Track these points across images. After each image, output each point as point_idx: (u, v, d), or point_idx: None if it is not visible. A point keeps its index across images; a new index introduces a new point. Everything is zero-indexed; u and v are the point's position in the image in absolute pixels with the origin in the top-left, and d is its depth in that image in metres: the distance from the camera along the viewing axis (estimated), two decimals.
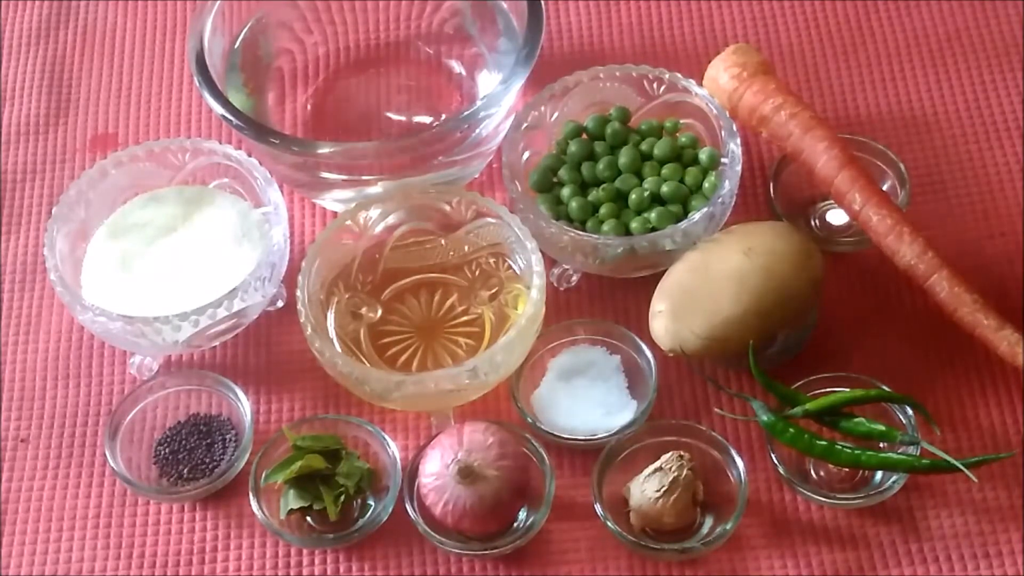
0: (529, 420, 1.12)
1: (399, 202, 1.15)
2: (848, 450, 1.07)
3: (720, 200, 1.13)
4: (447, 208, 1.15)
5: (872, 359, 1.15)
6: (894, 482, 1.08)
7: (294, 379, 1.18)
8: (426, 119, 1.28)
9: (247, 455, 1.13)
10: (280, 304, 1.20)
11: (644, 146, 1.19)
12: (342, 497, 1.09)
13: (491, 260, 1.16)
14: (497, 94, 1.16)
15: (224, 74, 1.22)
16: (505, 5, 1.24)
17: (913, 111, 1.29)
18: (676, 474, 1.07)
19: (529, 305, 1.09)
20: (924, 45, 1.33)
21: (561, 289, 1.20)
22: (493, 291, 1.15)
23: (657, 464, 1.08)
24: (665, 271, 1.13)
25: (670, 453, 1.08)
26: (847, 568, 1.07)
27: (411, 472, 1.09)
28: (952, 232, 1.21)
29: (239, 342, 1.20)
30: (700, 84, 1.20)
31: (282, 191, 1.19)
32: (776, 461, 1.09)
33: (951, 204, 1.23)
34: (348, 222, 1.14)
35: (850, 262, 1.20)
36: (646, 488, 1.07)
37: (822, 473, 1.11)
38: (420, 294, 1.16)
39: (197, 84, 1.18)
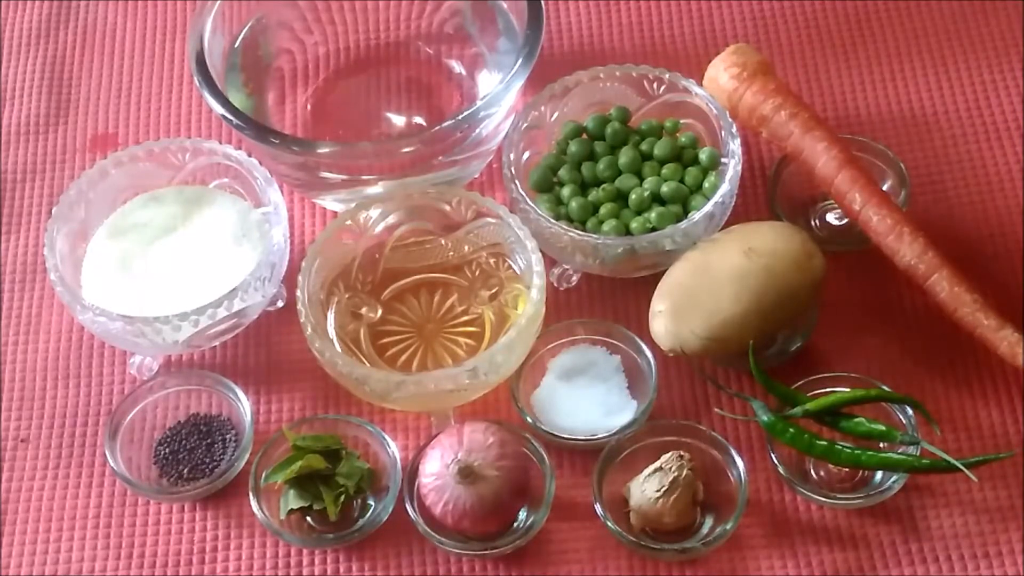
0: (529, 420, 1.12)
1: (399, 202, 1.15)
2: (848, 450, 1.07)
3: (720, 200, 1.13)
4: (447, 208, 1.15)
5: (872, 359, 1.15)
6: (894, 482, 1.08)
7: (294, 379, 1.18)
8: (426, 119, 1.28)
9: (247, 455, 1.13)
10: (280, 304, 1.20)
11: (644, 146, 1.19)
12: (342, 497, 1.09)
13: (491, 260, 1.16)
14: (497, 94, 1.16)
15: (224, 74, 1.22)
16: (505, 5, 1.24)
17: (913, 111, 1.29)
18: (676, 474, 1.07)
19: (529, 305, 1.08)
20: (924, 45, 1.33)
21: (561, 289, 1.20)
22: (493, 291, 1.15)
23: (657, 464, 1.08)
24: (665, 271, 1.13)
25: (670, 453, 1.08)
26: (847, 568, 1.07)
27: (411, 472, 1.09)
28: (952, 232, 1.21)
29: (239, 342, 1.20)
30: (700, 84, 1.20)
31: (282, 191, 1.19)
32: (776, 461, 1.09)
33: (951, 204, 1.23)
34: (348, 222, 1.14)
35: (850, 262, 1.19)
36: (646, 488, 1.07)
37: (822, 473, 1.11)
38: (420, 294, 1.16)
39: (197, 84, 1.18)
